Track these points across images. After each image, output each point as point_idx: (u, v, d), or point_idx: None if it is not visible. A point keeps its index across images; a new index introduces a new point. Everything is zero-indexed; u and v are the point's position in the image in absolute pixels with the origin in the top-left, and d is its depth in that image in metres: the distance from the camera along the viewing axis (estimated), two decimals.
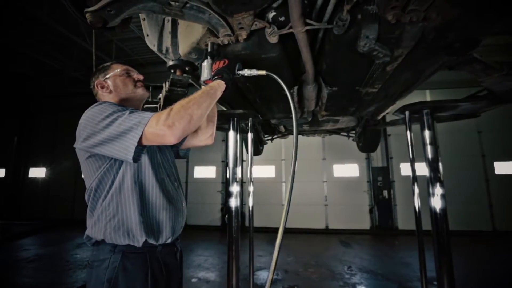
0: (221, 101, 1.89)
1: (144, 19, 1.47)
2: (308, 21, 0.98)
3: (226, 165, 8.58)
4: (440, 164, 1.39)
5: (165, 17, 1.38)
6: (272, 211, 7.82)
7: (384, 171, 7.86)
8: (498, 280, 4.03)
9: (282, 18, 1.02)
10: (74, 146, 0.99)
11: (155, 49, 1.46)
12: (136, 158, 0.92)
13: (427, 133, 1.42)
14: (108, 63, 1.20)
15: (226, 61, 1.10)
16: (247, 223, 1.92)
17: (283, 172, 8.49)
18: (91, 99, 1.13)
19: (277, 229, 0.82)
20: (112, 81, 1.14)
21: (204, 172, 8.97)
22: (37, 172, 10.57)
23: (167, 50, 1.41)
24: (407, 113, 1.52)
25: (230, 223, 1.62)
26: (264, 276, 4.26)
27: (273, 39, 1.07)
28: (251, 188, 1.93)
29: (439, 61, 1.32)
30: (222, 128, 2.03)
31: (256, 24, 1.01)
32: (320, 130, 3.38)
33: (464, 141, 7.60)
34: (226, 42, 1.11)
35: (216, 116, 1.34)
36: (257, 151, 3.83)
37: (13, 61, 8.35)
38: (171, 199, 1.08)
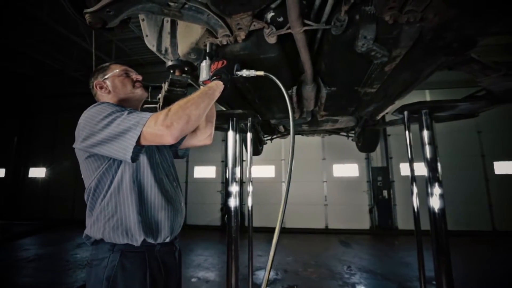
0: (220, 101, 1.90)
1: (143, 20, 1.47)
2: (306, 21, 0.98)
3: (226, 165, 8.59)
4: (439, 164, 1.39)
5: (164, 17, 1.38)
6: (272, 211, 7.81)
7: (384, 171, 7.85)
8: (498, 280, 4.03)
9: (281, 19, 1.02)
10: (73, 146, 1.00)
11: (154, 49, 1.47)
12: (135, 158, 0.92)
13: (425, 133, 1.43)
14: (107, 64, 1.20)
15: (225, 62, 1.11)
16: (246, 223, 1.92)
17: (282, 172, 8.48)
18: (91, 99, 1.14)
19: None
20: (111, 82, 1.14)
21: (204, 172, 8.98)
22: (37, 172, 10.56)
23: (166, 50, 1.42)
24: (405, 113, 1.52)
25: (230, 223, 1.62)
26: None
27: (272, 40, 1.07)
28: (250, 188, 1.93)
29: (437, 61, 1.32)
30: (221, 128, 2.04)
31: (254, 25, 1.02)
32: (319, 130, 3.38)
33: (464, 141, 7.60)
34: (224, 43, 1.12)
35: (214, 116, 1.35)
36: (257, 151, 3.83)
37: (13, 61, 8.35)
38: (170, 199, 1.09)
